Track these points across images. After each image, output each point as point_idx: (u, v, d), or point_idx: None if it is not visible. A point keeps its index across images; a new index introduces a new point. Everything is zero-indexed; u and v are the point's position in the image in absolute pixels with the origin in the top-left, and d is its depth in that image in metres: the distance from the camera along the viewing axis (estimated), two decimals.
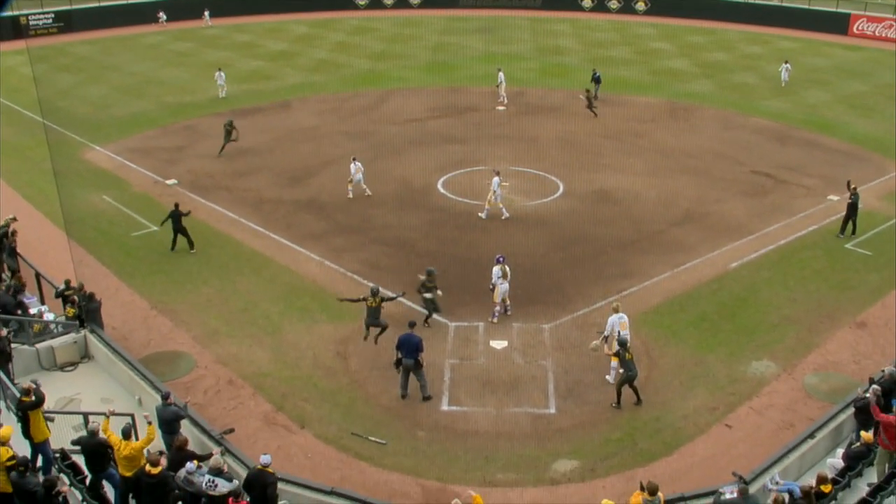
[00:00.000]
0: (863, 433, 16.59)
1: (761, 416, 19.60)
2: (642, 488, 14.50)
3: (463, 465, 17.95)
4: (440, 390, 20.43)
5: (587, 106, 43.45)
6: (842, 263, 27.49)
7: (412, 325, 20.40)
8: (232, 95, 48.59)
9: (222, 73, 49.06)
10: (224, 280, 25.77)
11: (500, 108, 46.17)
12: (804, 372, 21.42)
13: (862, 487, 15.73)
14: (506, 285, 23.36)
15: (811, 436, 17.52)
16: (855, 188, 29.30)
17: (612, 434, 18.99)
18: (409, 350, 19.69)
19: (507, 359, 21.91)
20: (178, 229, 27.59)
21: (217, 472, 14.65)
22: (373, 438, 18.68)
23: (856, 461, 16.22)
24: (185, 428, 17.04)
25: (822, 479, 14.98)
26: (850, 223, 29.23)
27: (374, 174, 35.12)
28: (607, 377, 20.64)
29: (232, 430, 17.60)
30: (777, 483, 15.59)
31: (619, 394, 19.83)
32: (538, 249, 28.12)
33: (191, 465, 14.68)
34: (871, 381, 18.12)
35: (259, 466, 14.70)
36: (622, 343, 19.67)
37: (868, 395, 16.90)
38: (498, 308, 23.48)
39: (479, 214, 30.53)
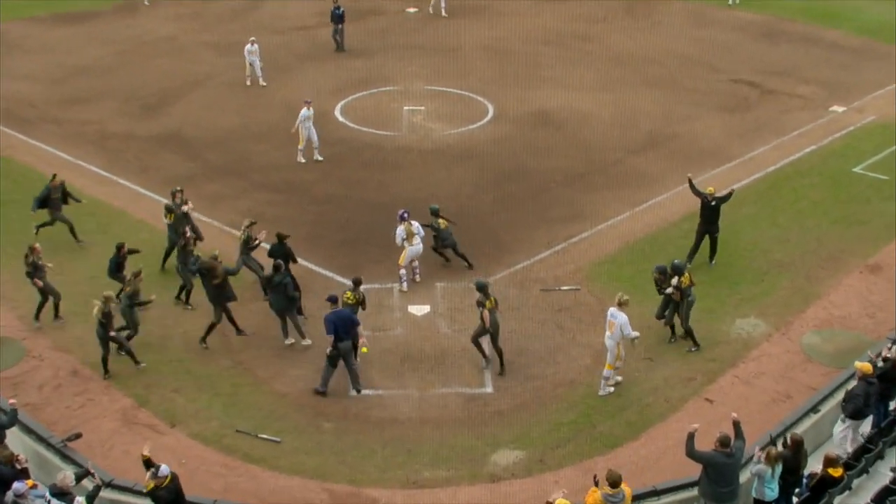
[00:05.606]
0: None
1: (750, 387, 20.11)
2: (598, 484, 14.65)
3: (380, 461, 18.10)
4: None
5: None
6: (848, 192, 28.10)
7: (334, 299, 20.10)
8: None
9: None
10: (60, 242, 25.25)
11: (411, 9, 45.88)
12: (802, 330, 21.96)
13: (884, 473, 16.13)
14: (418, 247, 23.42)
15: (814, 409, 17.93)
16: (712, 192, 24.40)
17: (563, 416, 19.32)
18: (347, 329, 19.53)
19: (430, 327, 22.08)
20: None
21: (61, 493, 14.52)
22: (264, 436, 18.66)
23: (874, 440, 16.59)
24: (13, 436, 16.74)
25: (830, 462, 15.20)
26: (710, 243, 24.55)
27: (254, 99, 34.70)
28: (600, 393, 20.05)
29: (79, 436, 17.28)
30: None
31: (478, 347, 20.46)
32: (464, 189, 28.26)
33: (19, 485, 14.53)
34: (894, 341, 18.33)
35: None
36: (481, 287, 20.14)
37: (889, 354, 17.29)
38: (404, 272, 23.54)
39: (299, 159, 30.35)
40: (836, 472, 15.17)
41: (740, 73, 37.44)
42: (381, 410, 19.50)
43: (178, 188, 24.56)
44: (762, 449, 15.39)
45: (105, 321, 19.91)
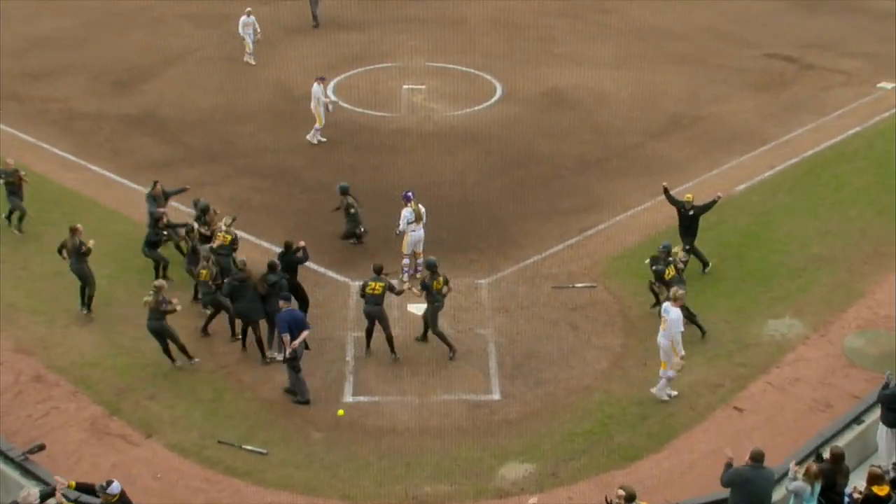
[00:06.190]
0: None
1: (784, 394, 20.01)
2: (610, 502, 14.52)
3: (376, 475, 18.00)
4: (341, 374, 20.44)
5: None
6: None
7: (288, 297, 20.13)
8: None
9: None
10: (22, 233, 25.18)
11: None
12: (843, 331, 21.86)
13: None
14: (420, 232, 23.39)
15: (857, 420, 17.75)
16: (690, 199, 23.78)
17: (578, 426, 19.22)
18: (299, 329, 19.48)
19: None
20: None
21: None
22: (249, 447, 18.59)
23: None
24: None
25: (874, 478, 14.98)
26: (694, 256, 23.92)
27: (238, 76, 34.59)
28: (654, 391, 19.95)
29: (42, 447, 17.16)
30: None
31: (442, 337, 20.79)
32: (469, 175, 28.22)
33: None
34: None
35: None
36: (431, 266, 20.53)
37: None
38: (407, 262, 23.53)
39: (308, 138, 30.41)
40: (882, 491, 14.91)
41: (776, 47, 37.33)
42: (377, 419, 19.41)
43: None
44: (798, 464, 15.24)
45: (161, 313, 19.96)
